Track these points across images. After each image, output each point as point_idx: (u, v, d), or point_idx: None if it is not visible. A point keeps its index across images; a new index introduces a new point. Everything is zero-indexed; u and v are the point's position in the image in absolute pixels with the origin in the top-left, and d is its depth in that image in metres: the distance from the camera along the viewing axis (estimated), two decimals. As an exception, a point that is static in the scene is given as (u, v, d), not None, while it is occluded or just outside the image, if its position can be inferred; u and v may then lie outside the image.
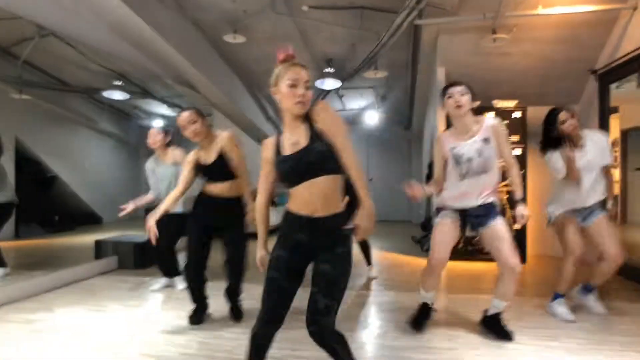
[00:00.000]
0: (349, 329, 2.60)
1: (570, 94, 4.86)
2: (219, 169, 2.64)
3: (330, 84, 6.29)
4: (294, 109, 1.63)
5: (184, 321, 2.75)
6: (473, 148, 2.45)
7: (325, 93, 7.08)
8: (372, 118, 8.67)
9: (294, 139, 1.65)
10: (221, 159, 2.63)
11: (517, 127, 4.73)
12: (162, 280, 3.68)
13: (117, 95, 7.12)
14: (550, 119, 2.84)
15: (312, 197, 1.61)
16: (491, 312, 2.57)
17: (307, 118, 1.67)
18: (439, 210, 2.65)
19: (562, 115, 2.78)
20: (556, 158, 2.82)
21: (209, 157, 2.65)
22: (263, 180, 1.78)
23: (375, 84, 7.11)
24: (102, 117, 8.63)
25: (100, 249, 4.37)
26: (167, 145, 3.69)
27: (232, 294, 2.84)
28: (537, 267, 4.61)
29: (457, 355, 2.27)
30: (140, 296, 3.42)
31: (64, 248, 6.07)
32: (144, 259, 4.35)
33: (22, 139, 6.58)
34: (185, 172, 2.68)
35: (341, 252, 1.64)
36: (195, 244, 2.70)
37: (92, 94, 7.77)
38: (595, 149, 2.80)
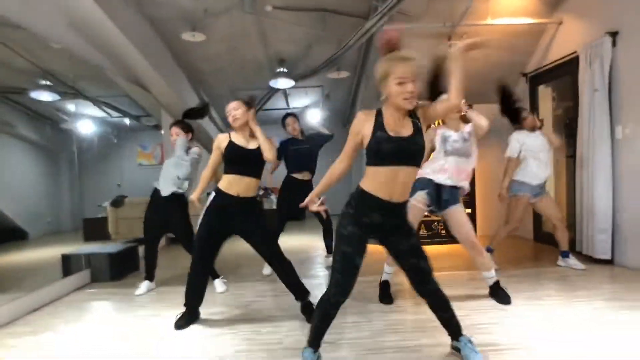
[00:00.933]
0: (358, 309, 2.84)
1: (504, 93, 5.61)
2: (257, 159, 2.69)
3: (283, 83, 6.40)
4: (404, 104, 1.71)
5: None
6: (461, 136, 2.97)
7: (274, 92, 7.18)
8: (316, 116, 8.92)
9: (397, 126, 1.76)
10: (260, 150, 2.70)
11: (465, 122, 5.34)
12: (146, 284, 3.60)
13: (46, 96, 6.46)
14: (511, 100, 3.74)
15: (394, 183, 1.76)
16: (489, 283, 3.00)
17: (411, 112, 1.79)
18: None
19: (525, 113, 3.76)
20: (515, 139, 3.79)
21: (250, 144, 2.72)
22: (351, 149, 1.86)
23: (324, 82, 7.38)
24: (20, 121, 7.72)
25: (68, 264, 4.02)
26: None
27: (302, 293, 2.76)
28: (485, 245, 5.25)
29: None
30: (144, 303, 3.29)
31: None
32: (120, 270, 4.12)
33: None
34: (214, 156, 2.76)
35: (409, 228, 1.91)
36: (210, 247, 2.69)
37: (14, 94, 6.94)
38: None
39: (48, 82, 6.39)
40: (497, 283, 2.98)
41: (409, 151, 1.76)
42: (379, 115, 1.79)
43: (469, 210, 5.32)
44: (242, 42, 5.73)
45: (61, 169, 8.75)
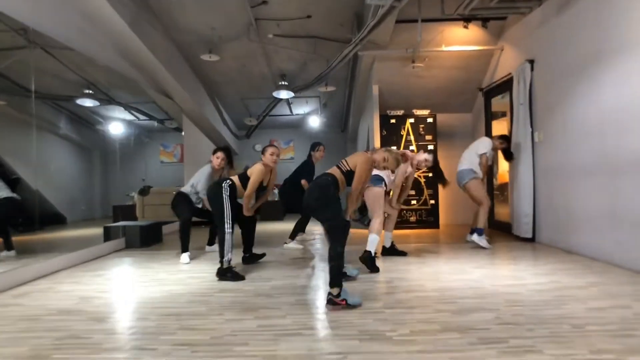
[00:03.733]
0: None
1: (466, 105, 6.72)
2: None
3: (284, 94, 7.61)
4: None
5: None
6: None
7: (278, 101, 8.40)
8: (315, 122, 10.18)
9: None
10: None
11: (430, 129, 6.45)
12: (187, 254, 4.43)
13: (88, 102, 7.80)
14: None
15: None
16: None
17: None
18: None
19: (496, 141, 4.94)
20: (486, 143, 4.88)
21: (265, 180, 3.93)
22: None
23: (320, 94, 8.59)
24: (64, 123, 9.12)
25: (109, 233, 5.27)
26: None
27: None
28: (448, 230, 6.34)
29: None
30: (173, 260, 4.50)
31: (47, 242, 6.70)
32: (148, 239, 5.37)
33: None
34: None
35: None
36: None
37: (63, 101, 8.31)
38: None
39: (90, 91, 7.74)
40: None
41: None
42: None
43: (432, 202, 6.43)
44: (250, 61, 6.98)
45: (95, 164, 10.12)
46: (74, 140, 9.93)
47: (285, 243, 5.06)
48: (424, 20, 5.17)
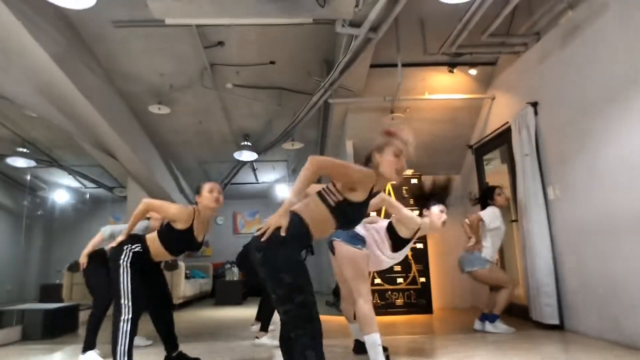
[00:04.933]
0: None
1: (454, 165, 5.85)
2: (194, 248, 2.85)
3: (247, 155, 6.67)
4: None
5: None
6: None
7: (241, 165, 7.44)
8: (284, 191, 9.17)
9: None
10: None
11: (415, 192, 5.47)
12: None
13: (22, 162, 6.70)
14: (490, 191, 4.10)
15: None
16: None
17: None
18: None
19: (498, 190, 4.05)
20: (496, 212, 3.96)
21: (199, 236, 2.79)
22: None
23: (288, 157, 7.69)
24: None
25: (0, 319, 3.88)
26: None
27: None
28: (444, 315, 5.10)
29: None
30: None
31: None
32: (54, 328, 4.00)
33: None
34: None
35: None
36: None
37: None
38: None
39: (25, 150, 6.68)
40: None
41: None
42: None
43: (423, 280, 5.26)
44: (206, 116, 6.12)
45: (33, 236, 8.71)
46: (8, 207, 8.62)
47: (257, 337, 3.63)
48: (404, 65, 4.47)
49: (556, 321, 3.80)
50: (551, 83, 3.91)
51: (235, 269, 7.53)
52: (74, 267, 6.38)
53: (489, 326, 3.78)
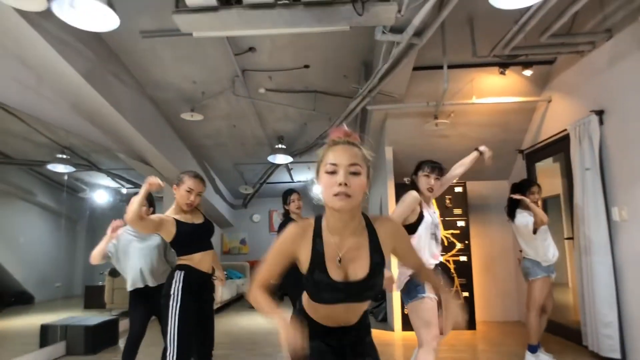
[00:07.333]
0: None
1: (501, 170, 5.41)
2: (209, 232, 2.59)
3: (281, 159, 6.48)
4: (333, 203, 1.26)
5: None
6: (435, 216, 2.75)
7: (275, 167, 7.28)
8: (319, 190, 8.96)
9: (344, 258, 1.32)
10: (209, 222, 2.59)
11: (460, 201, 5.13)
12: None
13: (61, 168, 6.83)
14: (524, 188, 3.56)
15: (347, 315, 1.47)
16: None
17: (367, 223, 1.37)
18: (415, 283, 2.47)
19: (534, 189, 3.54)
20: (527, 216, 3.49)
21: (197, 219, 2.58)
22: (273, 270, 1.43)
23: (325, 158, 7.44)
24: (40, 189, 8.12)
25: (46, 334, 3.96)
26: None
27: None
28: (487, 332, 4.79)
29: None
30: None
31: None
32: (96, 343, 4.12)
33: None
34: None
35: (370, 340, 1.59)
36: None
37: (35, 166, 7.38)
38: None
39: (65, 156, 6.79)
40: None
41: (360, 297, 1.39)
42: (318, 231, 1.35)
43: (466, 294, 4.94)
44: (240, 121, 5.95)
45: (77, 236, 8.97)
46: (52, 208, 8.89)
47: None
48: (450, 67, 4.08)
49: (618, 355, 3.45)
50: (623, 89, 3.44)
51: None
52: (115, 271, 6.50)
53: (530, 357, 3.46)
